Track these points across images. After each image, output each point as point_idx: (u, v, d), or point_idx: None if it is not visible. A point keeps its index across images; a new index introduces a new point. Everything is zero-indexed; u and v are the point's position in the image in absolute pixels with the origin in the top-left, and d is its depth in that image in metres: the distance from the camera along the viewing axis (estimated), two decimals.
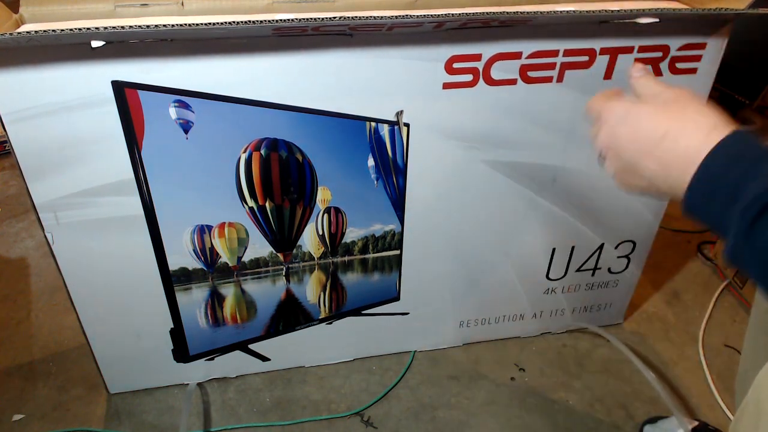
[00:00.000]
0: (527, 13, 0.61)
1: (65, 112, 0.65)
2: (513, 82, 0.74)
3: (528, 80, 0.74)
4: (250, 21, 0.55)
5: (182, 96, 0.67)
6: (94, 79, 0.64)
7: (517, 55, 0.72)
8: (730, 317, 1.10)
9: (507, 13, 0.61)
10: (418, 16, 0.61)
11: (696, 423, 0.85)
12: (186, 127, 0.69)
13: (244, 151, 0.73)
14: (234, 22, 0.55)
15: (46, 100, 0.64)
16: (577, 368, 1.00)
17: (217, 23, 0.55)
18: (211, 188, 0.74)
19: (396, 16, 0.61)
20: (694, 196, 0.43)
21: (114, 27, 0.55)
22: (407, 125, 0.76)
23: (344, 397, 0.93)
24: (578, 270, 0.97)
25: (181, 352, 0.89)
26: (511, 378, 0.98)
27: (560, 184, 0.86)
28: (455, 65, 0.71)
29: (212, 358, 0.91)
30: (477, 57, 0.71)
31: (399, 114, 0.74)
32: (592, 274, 0.98)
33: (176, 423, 0.89)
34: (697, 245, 1.27)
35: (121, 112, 0.66)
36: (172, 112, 0.67)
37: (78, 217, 0.73)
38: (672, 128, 0.44)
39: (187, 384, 0.93)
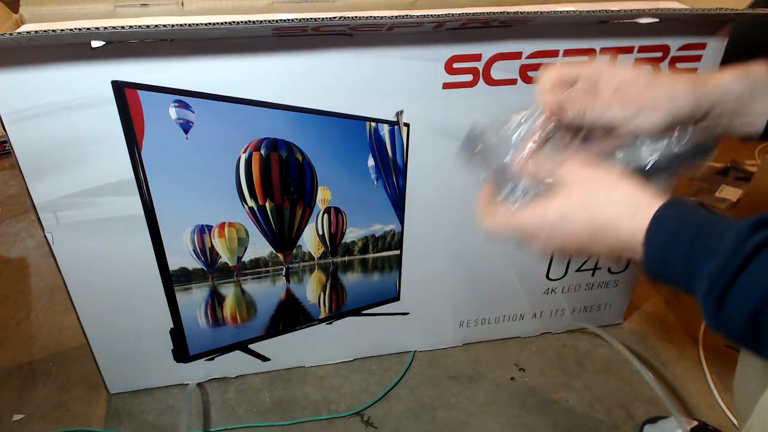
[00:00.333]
0: (527, 13, 0.61)
1: (65, 112, 0.65)
2: (513, 82, 0.74)
3: (528, 80, 0.74)
4: (250, 21, 0.55)
5: (182, 96, 0.67)
6: (94, 79, 0.64)
7: (517, 55, 0.72)
8: None
9: (507, 13, 0.61)
10: (418, 16, 0.61)
11: (696, 423, 0.85)
12: (186, 127, 0.69)
13: (244, 151, 0.73)
14: (234, 22, 0.55)
15: (46, 100, 0.64)
16: (577, 368, 1.00)
17: (217, 23, 0.55)
18: (211, 188, 0.74)
19: (396, 16, 0.61)
20: (650, 275, 0.41)
21: (114, 27, 0.56)
22: (407, 125, 0.76)
23: (344, 397, 0.93)
24: (578, 270, 0.97)
25: (181, 352, 0.89)
26: (511, 378, 0.98)
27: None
28: (455, 65, 0.71)
29: (212, 358, 0.91)
30: (477, 57, 0.71)
31: (399, 114, 0.74)
32: (592, 274, 0.98)
33: (176, 423, 0.89)
34: None
35: (121, 112, 0.66)
36: (172, 112, 0.67)
37: (78, 217, 0.73)
38: (598, 228, 0.43)
39: (187, 384, 0.93)
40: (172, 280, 0.81)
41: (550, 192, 0.46)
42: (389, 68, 0.70)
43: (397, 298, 0.93)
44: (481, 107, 0.76)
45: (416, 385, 0.96)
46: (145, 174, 0.71)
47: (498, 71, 0.73)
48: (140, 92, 0.65)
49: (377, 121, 0.75)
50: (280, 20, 0.56)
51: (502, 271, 0.94)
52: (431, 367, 0.99)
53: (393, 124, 0.75)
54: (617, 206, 0.43)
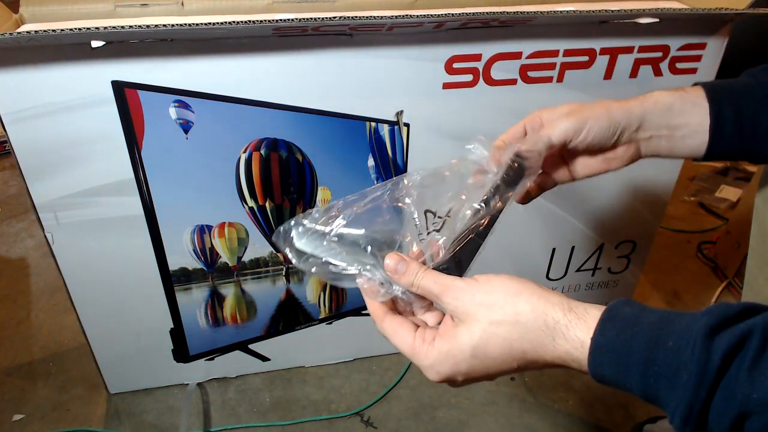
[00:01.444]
0: (527, 13, 0.61)
1: (65, 112, 0.65)
2: (513, 82, 0.74)
3: (528, 80, 0.74)
4: (250, 21, 0.55)
5: (182, 96, 0.67)
6: (94, 79, 0.64)
7: (517, 55, 0.72)
8: None
9: (507, 13, 0.61)
10: (418, 16, 0.61)
11: None
12: (186, 127, 0.69)
13: (244, 151, 0.73)
14: (234, 22, 0.55)
15: (46, 100, 0.64)
16: None
17: (217, 23, 0.55)
18: (211, 188, 0.74)
19: (396, 16, 0.61)
20: (606, 385, 0.37)
21: (114, 27, 0.56)
22: (407, 125, 0.76)
23: (344, 397, 0.93)
24: (578, 270, 0.97)
25: (181, 352, 0.89)
26: (511, 378, 0.98)
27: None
28: (455, 65, 0.71)
29: (212, 358, 0.91)
30: (477, 57, 0.71)
31: (399, 114, 0.74)
32: (592, 274, 0.98)
33: (176, 423, 0.89)
34: (697, 245, 1.27)
35: (121, 112, 0.66)
36: (172, 112, 0.67)
37: (78, 217, 0.73)
38: (520, 359, 0.38)
39: (187, 384, 0.93)
40: (172, 280, 0.81)
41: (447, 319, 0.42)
42: (389, 68, 0.70)
43: None
44: (481, 107, 0.76)
45: (416, 385, 0.96)
46: (145, 174, 0.71)
47: (498, 71, 0.73)
48: (140, 92, 0.65)
49: (377, 121, 0.75)
50: (280, 20, 0.56)
51: (502, 270, 0.94)
52: None
53: (393, 124, 0.75)
54: (532, 333, 0.38)
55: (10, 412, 0.90)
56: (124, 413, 0.90)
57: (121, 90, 0.65)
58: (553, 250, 0.93)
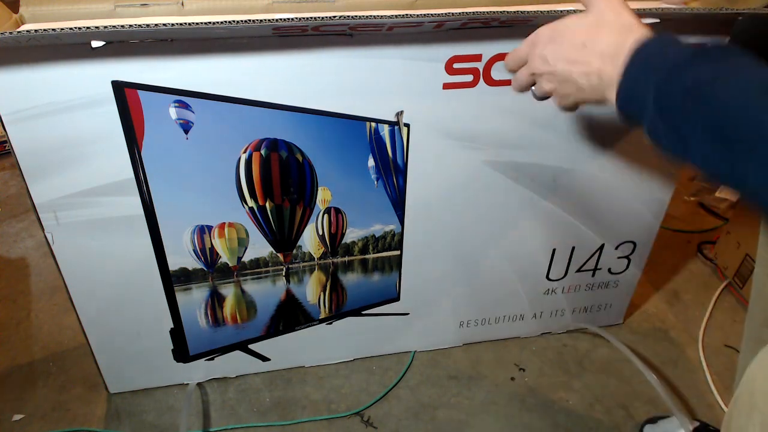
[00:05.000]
0: (527, 12, 0.61)
1: (65, 112, 0.65)
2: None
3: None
4: (249, 20, 0.55)
5: (182, 96, 0.67)
6: (94, 79, 0.63)
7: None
8: (730, 317, 1.10)
9: (507, 12, 0.61)
10: (418, 15, 0.61)
11: (696, 423, 0.85)
12: (186, 127, 0.69)
13: (244, 152, 0.73)
14: (234, 21, 0.55)
15: (46, 100, 0.64)
16: (577, 368, 1.00)
17: (217, 22, 0.55)
18: (211, 188, 0.74)
19: (396, 16, 0.61)
20: (625, 87, 0.47)
21: (114, 26, 0.55)
22: (407, 125, 0.76)
23: (344, 397, 0.93)
24: (578, 270, 0.97)
25: (181, 352, 0.89)
26: (511, 378, 0.98)
27: (561, 184, 0.86)
28: (455, 65, 0.71)
29: (212, 358, 0.91)
30: (477, 57, 0.71)
31: (399, 114, 0.74)
32: (593, 275, 0.98)
33: (176, 423, 0.89)
34: (697, 245, 1.27)
35: (121, 112, 0.66)
36: (172, 112, 0.67)
37: (78, 217, 0.73)
38: (589, 35, 0.50)
39: (187, 384, 0.93)
40: (172, 280, 0.81)
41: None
42: (389, 68, 0.70)
43: (397, 299, 0.93)
44: (481, 107, 0.76)
45: (416, 385, 0.96)
46: (145, 174, 0.71)
47: (498, 72, 0.73)
48: (140, 92, 0.65)
49: (377, 121, 0.75)
50: (280, 20, 0.56)
51: (502, 271, 0.94)
52: (431, 367, 0.99)
53: (393, 125, 0.75)
54: (612, 20, 0.49)
55: (10, 412, 0.90)
56: (124, 413, 0.90)
57: (121, 90, 0.65)
58: (554, 250, 0.93)
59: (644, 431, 0.88)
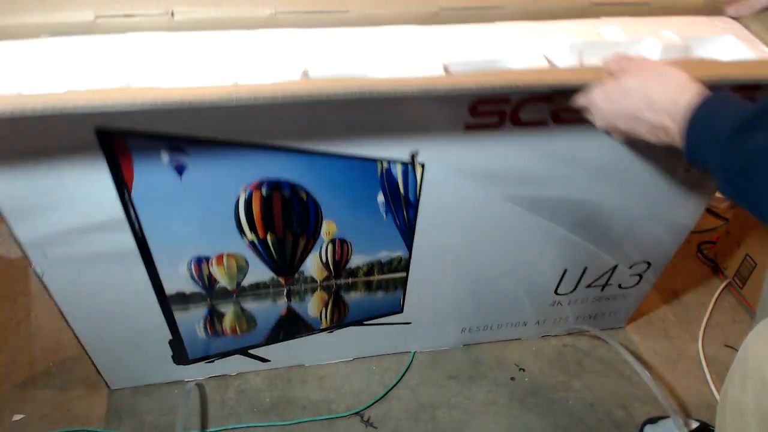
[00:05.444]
0: (572, 83, 0.59)
1: (47, 157, 0.59)
2: (543, 122, 0.67)
3: (560, 121, 0.67)
4: (259, 94, 0.51)
5: (175, 140, 0.61)
6: (77, 126, 0.57)
7: (549, 98, 0.64)
8: (730, 317, 1.10)
9: (554, 85, 0.58)
10: (446, 89, 0.56)
11: (696, 423, 0.85)
12: (180, 169, 0.63)
13: (244, 191, 0.68)
14: (272, 96, 0.51)
15: (26, 148, 0.58)
16: (577, 368, 1.00)
17: (215, 95, 0.50)
18: (209, 224, 0.70)
19: (420, 85, 0.55)
20: (690, 146, 0.51)
21: (98, 99, 0.49)
22: (422, 165, 0.70)
23: (344, 397, 0.93)
24: (588, 286, 0.95)
25: (181, 358, 0.89)
26: (511, 378, 0.98)
27: (582, 215, 0.81)
28: (480, 108, 0.64)
29: (212, 361, 0.91)
30: (505, 100, 0.64)
31: (414, 155, 0.68)
32: (602, 290, 0.96)
33: (176, 423, 0.88)
34: (697, 245, 1.27)
35: (107, 158, 0.60)
36: (165, 156, 0.62)
37: (67, 253, 0.68)
38: (646, 94, 0.53)
39: (187, 382, 0.93)
40: (170, 303, 0.78)
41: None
42: (406, 110, 0.63)
43: (400, 312, 0.92)
44: (505, 147, 0.69)
45: (416, 385, 0.96)
46: (136, 214, 0.66)
47: (527, 113, 0.65)
48: (128, 138, 0.59)
49: (390, 161, 0.69)
50: (289, 94, 0.52)
51: (511, 288, 0.92)
52: (431, 368, 0.99)
53: (407, 164, 0.69)
54: (668, 80, 0.53)
55: (10, 412, 0.90)
56: (124, 413, 0.90)
57: (108, 137, 0.58)
58: (565, 270, 0.91)
59: (644, 431, 0.89)
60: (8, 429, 0.88)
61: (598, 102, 0.58)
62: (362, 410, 0.91)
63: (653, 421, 0.89)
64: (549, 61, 0.62)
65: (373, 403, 0.92)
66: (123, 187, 0.64)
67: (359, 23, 0.65)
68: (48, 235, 0.66)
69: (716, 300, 1.13)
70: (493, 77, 0.57)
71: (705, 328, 1.07)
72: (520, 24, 0.68)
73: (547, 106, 0.65)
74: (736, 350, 1.01)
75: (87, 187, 0.62)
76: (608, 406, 0.93)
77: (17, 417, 0.89)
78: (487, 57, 0.61)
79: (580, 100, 0.61)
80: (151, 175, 0.63)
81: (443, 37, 0.64)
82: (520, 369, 0.99)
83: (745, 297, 1.11)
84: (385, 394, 0.94)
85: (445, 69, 0.59)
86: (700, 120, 0.49)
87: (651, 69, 0.55)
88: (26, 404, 0.91)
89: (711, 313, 1.10)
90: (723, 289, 1.15)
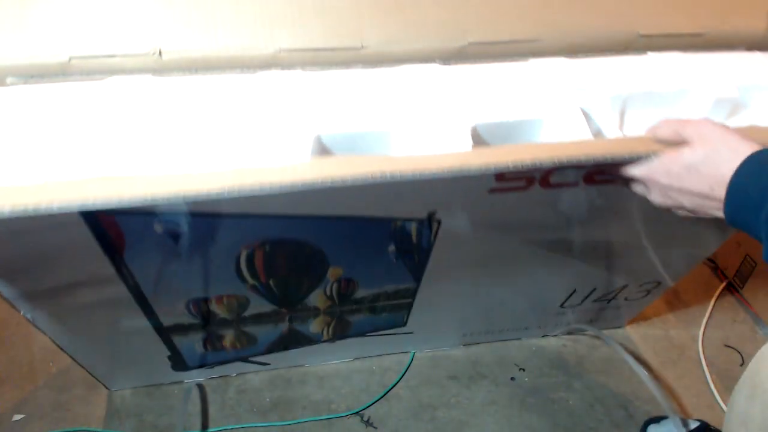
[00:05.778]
0: (620, 156, 0.52)
1: (29, 233, 0.51)
2: (574, 184, 0.60)
3: (592, 181, 0.60)
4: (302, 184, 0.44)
5: (168, 214, 0.54)
6: (61, 210, 0.46)
7: (582, 165, 0.55)
8: (730, 317, 1.10)
9: (598, 157, 0.51)
10: (479, 170, 0.48)
11: (696, 423, 0.85)
12: (175, 237, 0.57)
13: (246, 248, 0.63)
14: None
15: (6, 228, 0.49)
16: (577, 368, 1.00)
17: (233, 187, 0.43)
18: (207, 276, 0.66)
19: (449, 167, 0.48)
20: (731, 212, 0.47)
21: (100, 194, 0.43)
22: (439, 221, 0.63)
23: (344, 397, 0.93)
24: (595, 301, 0.94)
25: (180, 366, 0.88)
26: (511, 378, 0.98)
27: (600, 250, 0.78)
28: (508, 174, 0.56)
29: (212, 367, 0.91)
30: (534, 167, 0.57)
31: (432, 214, 0.61)
32: (608, 303, 0.96)
33: (176, 423, 0.88)
34: None
35: (94, 232, 0.53)
36: (158, 227, 0.55)
37: (57, 303, 0.63)
38: (721, 175, 0.48)
39: (188, 383, 0.93)
40: (167, 331, 0.77)
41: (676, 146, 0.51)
42: (428, 184, 0.52)
43: (403, 326, 0.90)
44: (530, 204, 0.62)
45: (416, 385, 0.96)
46: (130, 272, 0.61)
47: (558, 176, 0.58)
48: (117, 216, 0.53)
49: (405, 219, 0.63)
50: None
51: (517, 305, 0.91)
52: (431, 368, 0.99)
53: (422, 221, 0.63)
54: (720, 146, 0.48)
55: (10, 412, 0.90)
56: (124, 413, 0.90)
57: (93, 216, 0.51)
58: (574, 290, 0.89)
59: (648, 431, 0.88)
60: (8, 429, 0.88)
61: (658, 179, 0.52)
62: (362, 410, 0.91)
63: (656, 420, 0.89)
64: (587, 116, 0.56)
65: (373, 403, 0.92)
66: (114, 252, 0.57)
67: (375, 60, 0.57)
68: (34, 292, 0.60)
69: (716, 300, 1.13)
70: (534, 153, 0.49)
71: (705, 328, 1.07)
72: (556, 62, 0.60)
73: (581, 170, 0.58)
74: (736, 350, 1.01)
75: (74, 252, 0.55)
76: (608, 406, 0.93)
77: (17, 417, 0.89)
78: (519, 113, 0.54)
79: (632, 173, 0.54)
80: (144, 243, 0.57)
81: (470, 82, 0.57)
82: (520, 369, 0.99)
83: (745, 297, 1.11)
84: (385, 394, 0.94)
85: (473, 133, 0.52)
86: (740, 182, 0.46)
87: (714, 139, 0.49)
88: (26, 404, 0.91)
89: (711, 313, 1.10)
90: (723, 289, 1.15)
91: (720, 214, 0.49)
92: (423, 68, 0.58)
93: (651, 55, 0.63)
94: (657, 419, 0.89)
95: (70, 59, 0.51)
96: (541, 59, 0.61)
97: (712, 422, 0.87)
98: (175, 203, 0.45)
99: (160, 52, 0.52)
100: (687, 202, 0.51)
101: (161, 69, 0.53)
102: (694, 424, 0.85)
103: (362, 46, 0.55)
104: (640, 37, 0.62)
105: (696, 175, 0.49)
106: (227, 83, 0.55)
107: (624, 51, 0.63)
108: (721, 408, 0.92)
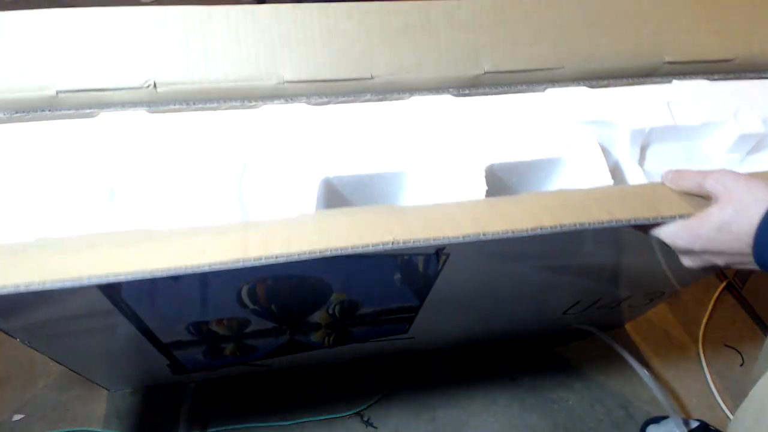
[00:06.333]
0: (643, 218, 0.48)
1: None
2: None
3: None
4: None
5: None
6: (54, 287, 0.43)
7: (605, 227, 0.55)
8: (730, 317, 1.10)
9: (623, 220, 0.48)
10: (498, 237, 0.45)
11: (696, 423, 0.85)
12: (175, 277, 0.53)
13: (247, 284, 0.61)
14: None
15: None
16: (577, 368, 1.00)
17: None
18: (208, 304, 0.65)
19: (466, 235, 0.45)
20: (760, 260, 0.46)
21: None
22: (447, 255, 0.61)
23: (344, 397, 0.93)
24: (598, 308, 0.93)
25: (180, 371, 0.88)
26: (511, 378, 0.98)
27: (606, 272, 0.76)
28: None
29: (212, 370, 0.91)
30: None
31: (440, 250, 0.59)
32: (611, 309, 0.95)
33: (176, 423, 0.88)
34: None
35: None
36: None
37: (55, 332, 0.61)
38: (755, 233, 0.46)
39: (188, 384, 0.93)
40: (168, 347, 0.75)
41: (701, 204, 0.48)
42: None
43: (404, 333, 0.89)
44: (545, 241, 0.60)
45: (416, 385, 0.96)
46: (128, 306, 0.59)
47: None
48: None
49: (411, 254, 0.60)
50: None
51: (520, 316, 0.91)
52: (431, 367, 0.99)
53: (429, 255, 0.61)
54: (743, 202, 0.45)
55: (10, 412, 0.90)
56: (124, 413, 0.90)
57: None
58: (578, 301, 0.88)
59: (647, 431, 0.88)
60: (8, 429, 0.88)
61: (690, 246, 0.49)
62: (362, 410, 0.91)
63: (656, 420, 0.89)
64: (605, 151, 0.53)
65: (373, 403, 0.92)
66: (111, 291, 0.55)
67: (385, 90, 0.53)
68: (31, 325, 0.58)
69: (716, 300, 1.13)
70: (557, 217, 0.46)
71: (705, 328, 1.07)
72: (575, 92, 0.57)
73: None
74: (736, 350, 1.01)
75: (71, 293, 0.49)
76: (608, 406, 0.93)
77: (17, 417, 0.89)
78: (535, 151, 0.51)
79: (659, 236, 0.50)
80: (142, 282, 0.53)
81: (484, 117, 0.54)
82: (520, 369, 0.99)
83: (745, 297, 1.11)
84: (385, 394, 0.94)
85: (489, 172, 0.49)
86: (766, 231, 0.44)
87: (740, 192, 0.46)
88: (26, 404, 0.91)
89: (711, 313, 1.10)
90: (723, 289, 1.15)
91: (756, 267, 0.48)
92: (435, 100, 0.55)
93: (676, 84, 0.60)
94: (657, 419, 0.89)
95: (57, 93, 0.47)
96: (558, 89, 0.58)
97: (712, 422, 0.87)
98: (175, 273, 0.43)
99: (154, 85, 0.48)
100: (720, 261, 0.49)
101: (156, 102, 0.50)
102: (694, 424, 0.85)
103: (372, 77, 0.51)
104: (665, 64, 0.59)
105: (728, 234, 0.47)
106: (227, 119, 0.52)
107: (648, 77, 0.60)
108: (722, 408, 0.92)
